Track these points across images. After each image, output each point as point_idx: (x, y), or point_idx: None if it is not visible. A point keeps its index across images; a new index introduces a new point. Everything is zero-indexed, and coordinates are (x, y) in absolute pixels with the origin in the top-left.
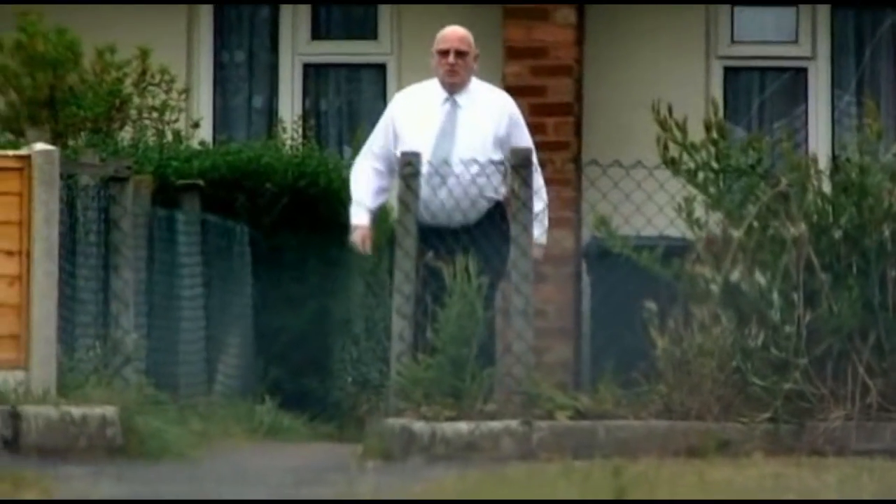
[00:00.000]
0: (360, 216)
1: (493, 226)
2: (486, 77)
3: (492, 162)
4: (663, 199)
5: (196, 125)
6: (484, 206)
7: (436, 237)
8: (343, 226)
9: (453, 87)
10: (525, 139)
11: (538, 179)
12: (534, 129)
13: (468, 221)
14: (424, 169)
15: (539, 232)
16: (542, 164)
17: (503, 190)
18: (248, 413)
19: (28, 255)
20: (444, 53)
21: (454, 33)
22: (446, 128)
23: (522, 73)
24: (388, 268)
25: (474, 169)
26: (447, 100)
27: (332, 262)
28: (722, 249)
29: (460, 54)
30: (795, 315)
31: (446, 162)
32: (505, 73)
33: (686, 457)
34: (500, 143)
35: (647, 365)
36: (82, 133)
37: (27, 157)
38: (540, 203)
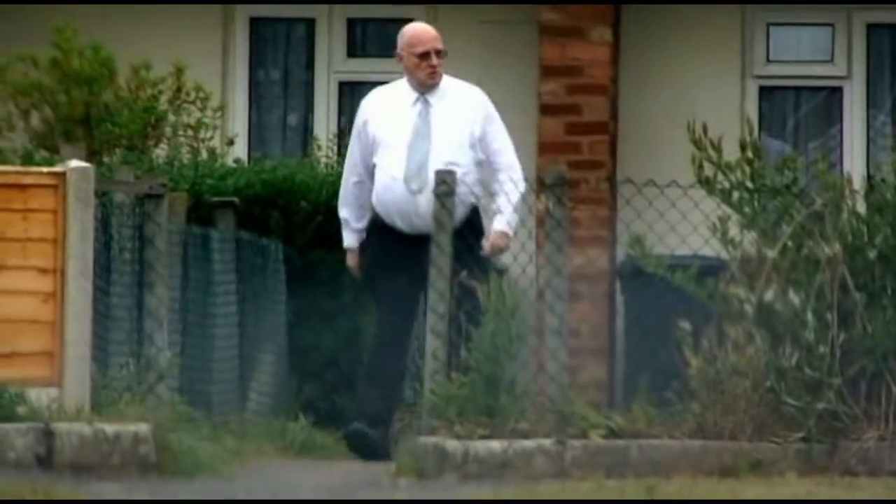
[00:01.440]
0: (348, 239)
1: (475, 234)
2: (521, 96)
3: (469, 163)
4: (698, 219)
5: (231, 143)
6: (463, 211)
7: (415, 246)
8: None
9: (428, 87)
10: (502, 136)
11: (517, 171)
12: (569, 147)
13: (452, 227)
14: (400, 173)
15: (508, 220)
16: (577, 183)
17: (478, 191)
18: (282, 430)
19: (62, 272)
20: (425, 55)
21: (429, 33)
22: (420, 129)
23: (558, 92)
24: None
25: (456, 172)
26: (418, 99)
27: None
28: (756, 269)
29: (438, 53)
30: (829, 335)
31: (423, 165)
32: (540, 91)
33: (719, 476)
34: (477, 141)
35: (680, 384)
36: (117, 150)
37: (62, 175)
38: (515, 189)
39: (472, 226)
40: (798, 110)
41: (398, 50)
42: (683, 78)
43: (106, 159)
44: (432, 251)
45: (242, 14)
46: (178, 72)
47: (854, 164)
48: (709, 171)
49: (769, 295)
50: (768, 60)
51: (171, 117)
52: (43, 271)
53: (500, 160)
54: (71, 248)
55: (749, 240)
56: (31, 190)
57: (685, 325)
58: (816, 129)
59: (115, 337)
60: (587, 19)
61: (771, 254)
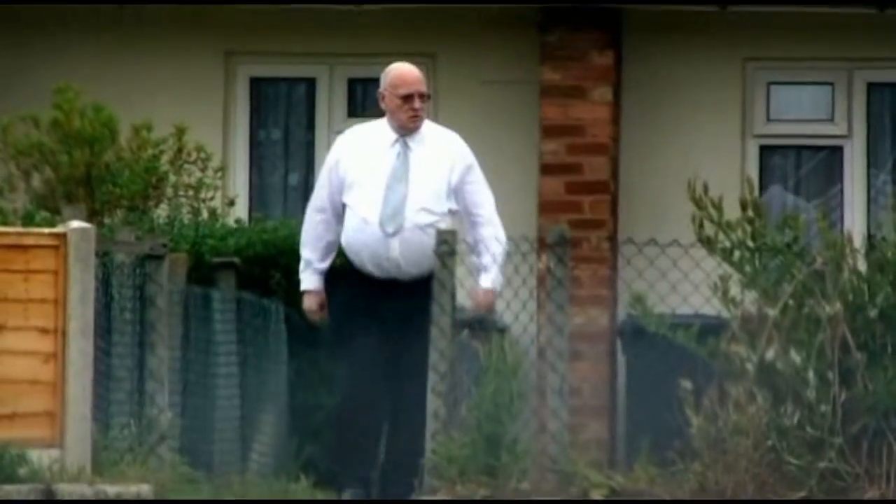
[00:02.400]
0: (309, 280)
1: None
2: (522, 155)
3: (445, 212)
4: (699, 278)
5: (232, 203)
6: (431, 262)
7: (386, 292)
8: None
9: (409, 130)
10: (483, 188)
11: (499, 227)
12: (570, 207)
13: (421, 274)
14: (375, 218)
15: (494, 278)
16: (578, 242)
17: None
18: (283, 491)
19: (63, 332)
20: (409, 98)
21: (413, 74)
22: (398, 172)
23: (559, 151)
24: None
25: (429, 219)
26: (397, 141)
27: None
28: (757, 328)
29: (422, 97)
30: (831, 394)
31: (399, 209)
32: (541, 150)
33: None
34: (454, 191)
35: (682, 443)
36: (118, 211)
37: (63, 235)
38: (499, 246)
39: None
40: (799, 169)
41: (381, 89)
42: (684, 137)
43: (107, 220)
44: (434, 310)
45: (243, 74)
46: (180, 132)
47: (855, 222)
48: (710, 230)
49: (770, 354)
50: (769, 119)
51: (173, 177)
52: (44, 331)
53: (481, 213)
54: (72, 309)
55: (750, 299)
56: (32, 251)
57: (686, 384)
58: (817, 188)
59: (117, 397)
60: (588, 79)
61: (772, 312)
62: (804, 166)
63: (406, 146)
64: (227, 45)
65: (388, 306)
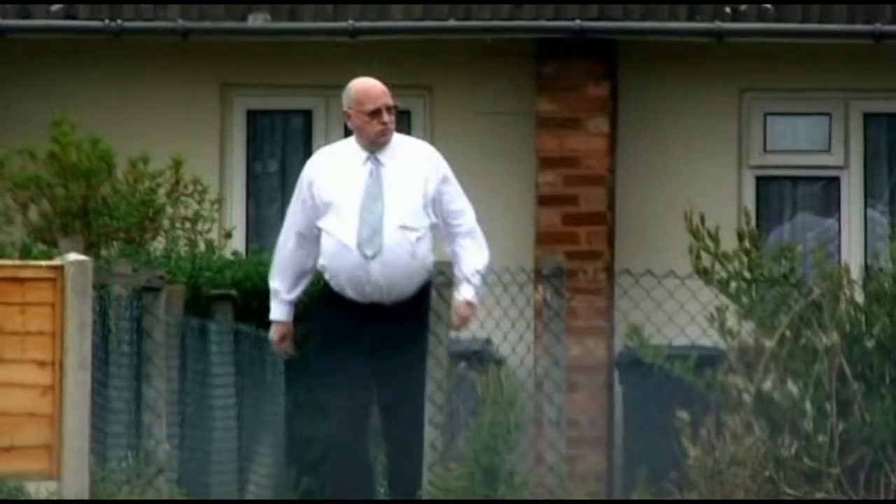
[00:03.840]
0: (277, 310)
1: (428, 304)
2: (519, 186)
3: (425, 227)
4: (696, 309)
5: (228, 235)
6: (419, 279)
7: (368, 317)
8: None
9: (379, 145)
10: (460, 197)
11: (481, 238)
12: (566, 238)
13: (404, 297)
14: (353, 241)
15: (477, 290)
16: (574, 274)
17: (431, 259)
18: None
19: (61, 365)
20: (376, 113)
21: (377, 88)
22: (372, 190)
23: (555, 182)
24: None
25: (412, 236)
26: (368, 158)
27: None
28: (754, 359)
29: (389, 109)
30: (828, 424)
31: (377, 230)
32: (538, 181)
33: None
34: (430, 203)
35: (679, 474)
36: (115, 243)
37: (60, 268)
38: (483, 258)
39: (426, 296)
40: (795, 200)
41: (344, 108)
42: (680, 168)
43: (104, 252)
44: (430, 341)
45: (240, 106)
46: (176, 165)
47: (852, 253)
48: (706, 261)
49: (767, 384)
50: (765, 150)
51: (169, 210)
52: (41, 364)
53: (461, 223)
54: (69, 341)
55: (747, 329)
56: (28, 283)
57: (683, 415)
58: (814, 218)
59: (114, 429)
60: (584, 110)
61: (769, 343)
62: (801, 197)
63: (377, 162)
64: (224, 77)
65: (373, 332)
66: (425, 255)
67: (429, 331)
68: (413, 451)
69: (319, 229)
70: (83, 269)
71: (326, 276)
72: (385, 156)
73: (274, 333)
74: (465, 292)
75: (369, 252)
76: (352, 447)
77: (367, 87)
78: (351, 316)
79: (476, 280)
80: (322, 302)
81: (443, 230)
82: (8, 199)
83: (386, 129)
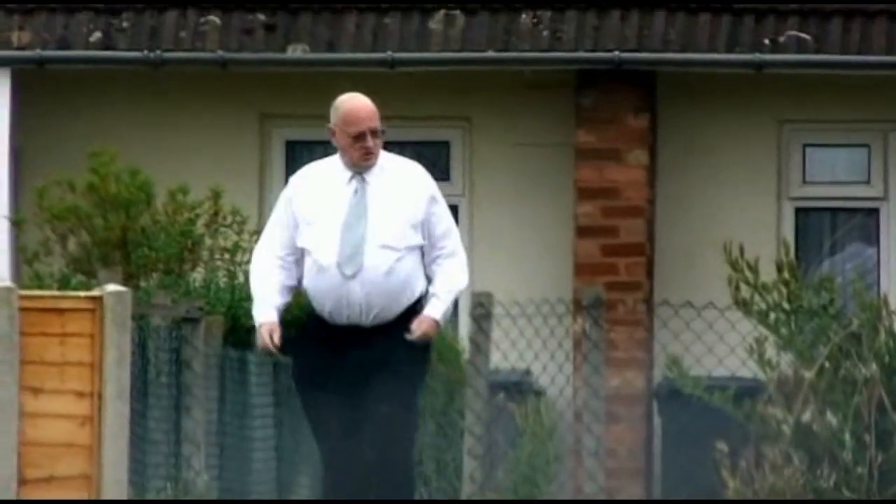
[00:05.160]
0: (266, 313)
1: (406, 332)
2: (557, 217)
3: (409, 248)
4: (735, 340)
5: None
6: (404, 301)
7: (352, 340)
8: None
9: (362, 167)
10: (447, 219)
11: (463, 262)
12: (606, 269)
13: (385, 319)
14: (333, 260)
15: (445, 310)
16: (613, 305)
17: (422, 283)
18: None
19: (99, 395)
20: (360, 137)
21: (366, 110)
22: (356, 210)
23: (594, 214)
24: (459, 408)
25: (393, 256)
26: (353, 177)
27: None
28: (793, 390)
29: (374, 133)
30: (867, 456)
31: (358, 249)
32: (577, 213)
33: None
34: (419, 224)
35: None
36: (154, 274)
37: (99, 299)
38: (461, 280)
39: (405, 324)
40: (834, 231)
41: (330, 124)
42: (719, 199)
43: (143, 283)
44: (468, 370)
45: (279, 137)
46: (215, 195)
47: (891, 284)
48: (745, 292)
49: (807, 416)
50: (804, 181)
51: (208, 241)
52: (80, 395)
53: (445, 245)
54: (108, 372)
55: (786, 361)
56: (68, 314)
57: (722, 446)
58: (853, 250)
59: (153, 460)
60: (623, 142)
61: (808, 375)
62: (840, 228)
63: (363, 181)
64: (263, 108)
65: (355, 355)
66: (409, 276)
67: (421, 357)
68: (394, 480)
69: (301, 249)
70: (122, 300)
71: (309, 297)
72: (371, 175)
73: (264, 331)
74: (434, 309)
75: (349, 271)
76: (346, 469)
77: (355, 107)
78: (333, 338)
79: (448, 298)
80: (304, 328)
81: (426, 251)
82: (47, 230)
83: (369, 155)
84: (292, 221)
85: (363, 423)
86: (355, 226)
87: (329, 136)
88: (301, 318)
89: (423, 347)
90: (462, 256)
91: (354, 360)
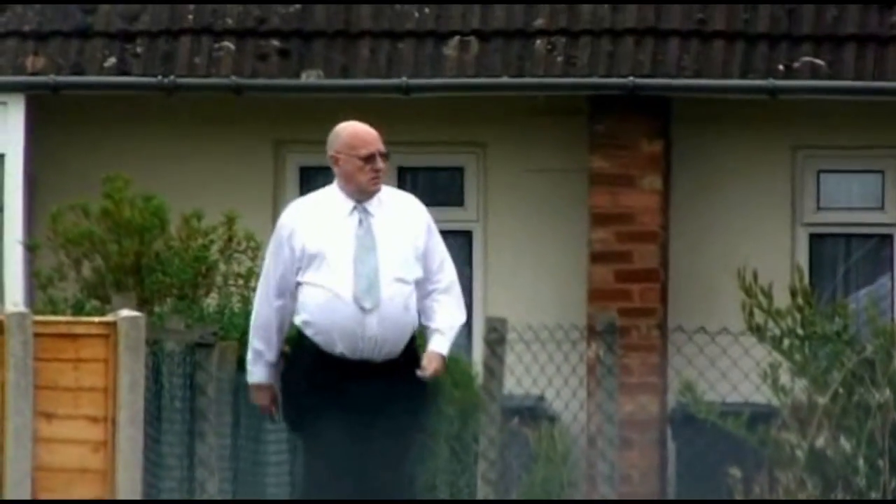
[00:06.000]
0: (260, 373)
1: (416, 361)
2: (571, 243)
3: (416, 280)
4: (749, 366)
5: None
6: (408, 334)
7: (358, 375)
8: (428, 390)
9: (368, 194)
10: (442, 250)
11: (460, 296)
12: (619, 295)
13: (393, 354)
14: (349, 293)
15: (449, 345)
16: (627, 331)
17: (414, 313)
18: None
19: (113, 421)
20: (370, 158)
21: (371, 133)
22: (364, 241)
23: (608, 239)
24: (472, 433)
25: (406, 290)
26: (355, 208)
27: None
28: (807, 415)
29: (382, 156)
30: (881, 481)
31: (374, 282)
32: (591, 238)
33: None
34: (421, 256)
35: None
36: (168, 299)
37: (113, 324)
38: (460, 317)
39: (414, 353)
40: (848, 257)
41: (332, 152)
42: (733, 225)
43: (157, 308)
44: (482, 395)
45: (293, 163)
46: (230, 221)
47: None
48: (759, 318)
49: (820, 441)
50: (819, 208)
51: (222, 266)
52: (94, 420)
53: (441, 278)
54: (121, 397)
55: (800, 386)
56: (81, 339)
57: (736, 471)
58: (866, 276)
59: (167, 485)
60: (637, 167)
61: (822, 400)
62: (854, 254)
63: (366, 212)
64: (277, 134)
65: (361, 390)
66: (414, 309)
67: (424, 392)
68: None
69: (298, 284)
70: (136, 326)
71: (309, 332)
72: (372, 206)
73: (263, 398)
74: (440, 345)
75: (367, 305)
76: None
77: (360, 130)
78: (335, 373)
79: (451, 335)
80: (298, 360)
81: (420, 283)
82: (61, 255)
83: (377, 178)
84: (292, 257)
85: (365, 458)
86: (366, 258)
87: (332, 165)
88: (295, 352)
89: (429, 383)
90: (458, 291)
91: (357, 396)
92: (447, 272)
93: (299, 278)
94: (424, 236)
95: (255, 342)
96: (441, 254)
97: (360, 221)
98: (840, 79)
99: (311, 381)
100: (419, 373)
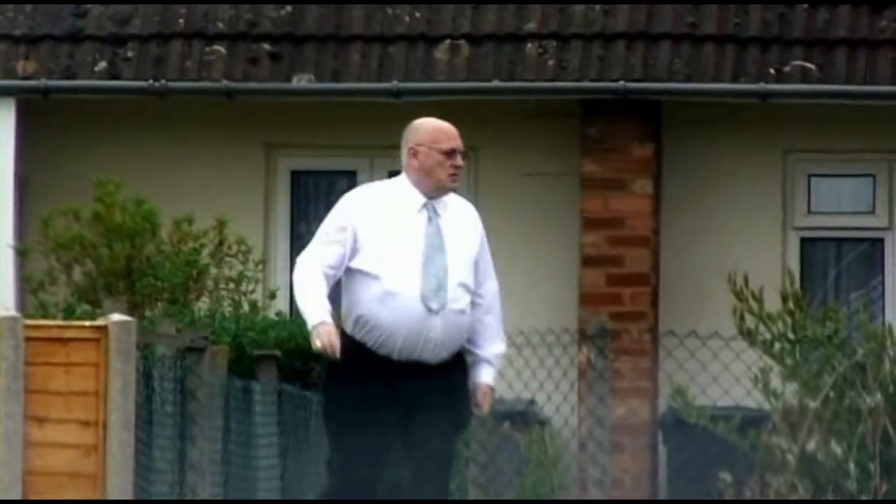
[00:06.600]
0: (321, 314)
1: (464, 367)
2: (563, 247)
3: (474, 290)
4: (740, 370)
5: (273, 296)
6: (463, 340)
7: (408, 375)
8: None
9: (444, 191)
10: (489, 261)
11: (501, 318)
12: (611, 299)
13: (446, 359)
14: (416, 292)
15: (494, 375)
16: (618, 335)
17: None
18: None
19: (104, 425)
20: (451, 153)
21: (453, 128)
22: (434, 242)
23: (599, 244)
24: (463, 437)
25: (467, 297)
26: (425, 205)
27: None
28: (798, 420)
29: (462, 154)
30: (872, 485)
31: (442, 284)
32: (582, 242)
33: None
34: (473, 264)
35: None
36: (159, 303)
37: (104, 328)
38: (503, 344)
39: (461, 357)
40: (839, 261)
41: (411, 144)
42: (724, 229)
43: (148, 312)
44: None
45: (284, 167)
46: (221, 225)
47: None
48: (750, 322)
49: (811, 445)
50: (809, 211)
51: (213, 270)
52: (85, 424)
53: (483, 293)
54: (112, 402)
55: (791, 391)
56: (72, 344)
57: (727, 475)
58: (858, 279)
59: (158, 490)
60: (628, 171)
61: (813, 404)
62: (845, 258)
63: (435, 212)
64: (268, 138)
65: (414, 390)
66: (470, 316)
67: (466, 391)
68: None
69: (348, 270)
70: (127, 330)
71: (365, 328)
72: (439, 206)
73: (324, 335)
74: (490, 377)
75: (435, 306)
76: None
77: (441, 124)
78: (388, 372)
79: (497, 365)
80: (347, 364)
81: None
82: (52, 260)
83: (457, 175)
84: (351, 242)
85: (413, 455)
86: (436, 258)
87: (408, 159)
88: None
89: (468, 392)
90: (499, 310)
91: (406, 395)
92: (491, 286)
93: (353, 264)
94: (479, 245)
95: (314, 283)
96: (488, 266)
97: (430, 219)
98: (831, 82)
99: (357, 378)
100: (475, 410)
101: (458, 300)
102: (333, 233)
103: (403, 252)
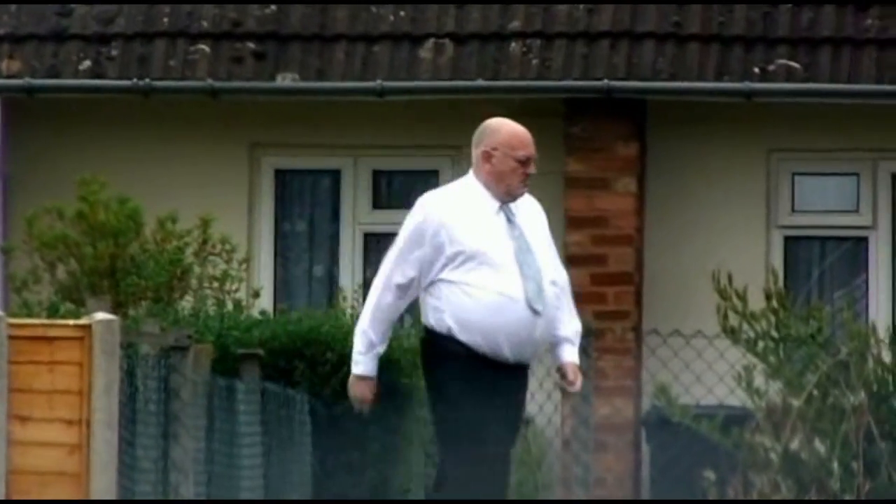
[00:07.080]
0: (368, 365)
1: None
2: None
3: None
4: (723, 369)
5: (257, 295)
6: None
7: (510, 377)
8: (403, 394)
9: (515, 196)
10: (553, 245)
11: (570, 293)
12: (594, 298)
13: (539, 354)
14: (519, 293)
15: (576, 353)
16: (602, 333)
17: None
18: None
19: (88, 424)
20: (526, 162)
21: (529, 136)
22: (520, 243)
23: (583, 242)
24: None
25: (558, 293)
26: (501, 208)
27: (391, 430)
28: (782, 418)
29: (534, 162)
30: (855, 484)
31: (540, 286)
32: (566, 241)
33: None
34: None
35: None
36: (143, 302)
37: (87, 327)
38: (579, 323)
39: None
40: (823, 260)
41: (487, 147)
42: (708, 228)
43: (132, 311)
44: None
45: (268, 166)
46: (205, 224)
47: (879, 313)
48: (734, 320)
49: (795, 444)
50: (793, 210)
51: (197, 269)
52: (69, 423)
53: (560, 277)
54: (96, 400)
55: (774, 389)
56: (56, 342)
57: (711, 474)
58: (842, 278)
59: (142, 489)
60: (612, 170)
61: (796, 403)
62: (829, 257)
63: (511, 213)
64: (252, 137)
65: (514, 391)
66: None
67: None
68: None
69: (434, 282)
70: (111, 329)
71: (470, 333)
72: (512, 206)
73: (361, 390)
74: (572, 355)
75: (539, 308)
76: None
77: (518, 130)
78: (493, 375)
79: (578, 342)
80: (446, 361)
81: None
82: (36, 258)
83: (527, 182)
84: (436, 253)
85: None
86: (529, 260)
87: (480, 160)
88: (435, 350)
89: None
90: (570, 292)
91: (514, 398)
92: (562, 270)
93: (444, 276)
94: (549, 237)
95: (370, 332)
96: (555, 251)
97: (509, 220)
98: (815, 81)
99: (469, 385)
100: (569, 388)
101: (553, 299)
102: (408, 244)
103: (498, 256)
